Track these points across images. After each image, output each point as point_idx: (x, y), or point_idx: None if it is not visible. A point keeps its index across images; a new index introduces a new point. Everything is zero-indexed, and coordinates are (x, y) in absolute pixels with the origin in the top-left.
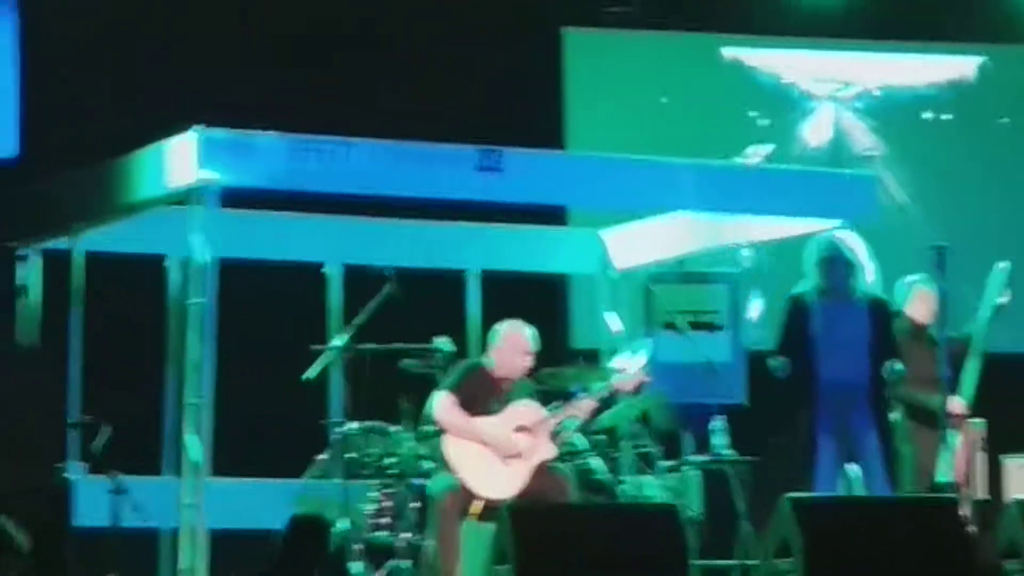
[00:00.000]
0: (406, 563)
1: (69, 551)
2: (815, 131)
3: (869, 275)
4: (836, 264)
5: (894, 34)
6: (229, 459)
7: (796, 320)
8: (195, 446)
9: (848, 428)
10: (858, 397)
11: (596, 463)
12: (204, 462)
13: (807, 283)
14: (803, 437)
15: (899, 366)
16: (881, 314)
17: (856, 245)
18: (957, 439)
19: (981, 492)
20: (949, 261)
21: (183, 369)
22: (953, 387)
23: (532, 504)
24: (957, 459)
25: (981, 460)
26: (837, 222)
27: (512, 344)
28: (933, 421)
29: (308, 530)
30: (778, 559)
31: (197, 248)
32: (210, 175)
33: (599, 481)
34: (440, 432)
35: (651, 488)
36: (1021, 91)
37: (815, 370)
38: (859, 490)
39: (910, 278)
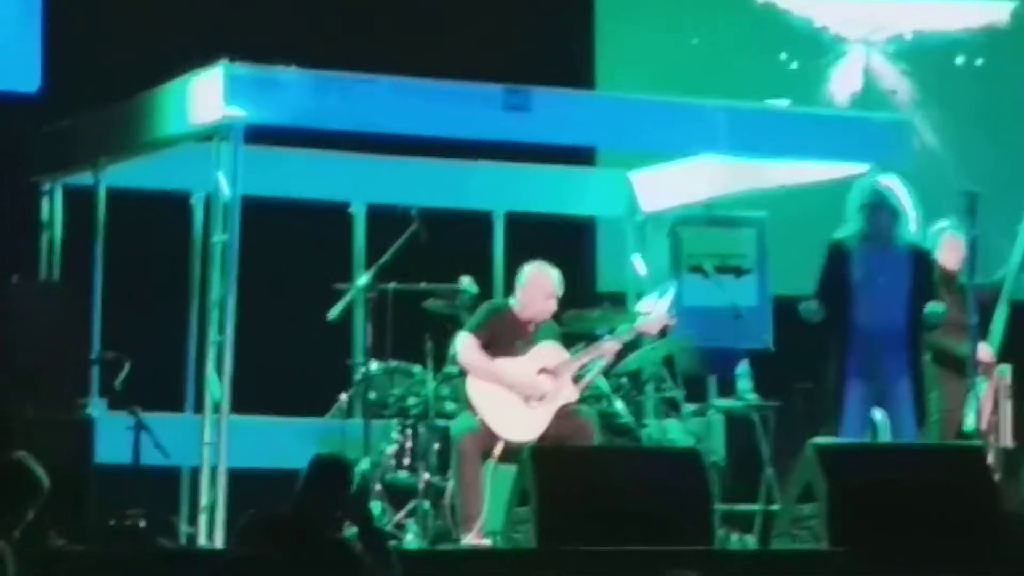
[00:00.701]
0: (427, 504)
1: (90, 487)
2: (846, 75)
3: (912, 223)
4: (881, 210)
5: None
6: (251, 397)
7: (836, 264)
8: (216, 384)
9: (880, 374)
10: (893, 343)
11: (620, 406)
12: (226, 400)
13: (849, 228)
14: (832, 382)
15: (940, 307)
16: (923, 263)
17: (901, 192)
18: (984, 386)
19: (1007, 440)
20: (980, 207)
21: (206, 307)
22: (982, 334)
23: (554, 446)
24: (984, 407)
25: (1008, 408)
26: (867, 166)
27: (537, 287)
28: (961, 368)
29: (330, 470)
30: (801, 504)
31: (222, 185)
32: (236, 111)
33: (622, 424)
34: (463, 373)
35: (675, 432)
36: None
37: (851, 315)
38: (885, 436)
39: (940, 224)
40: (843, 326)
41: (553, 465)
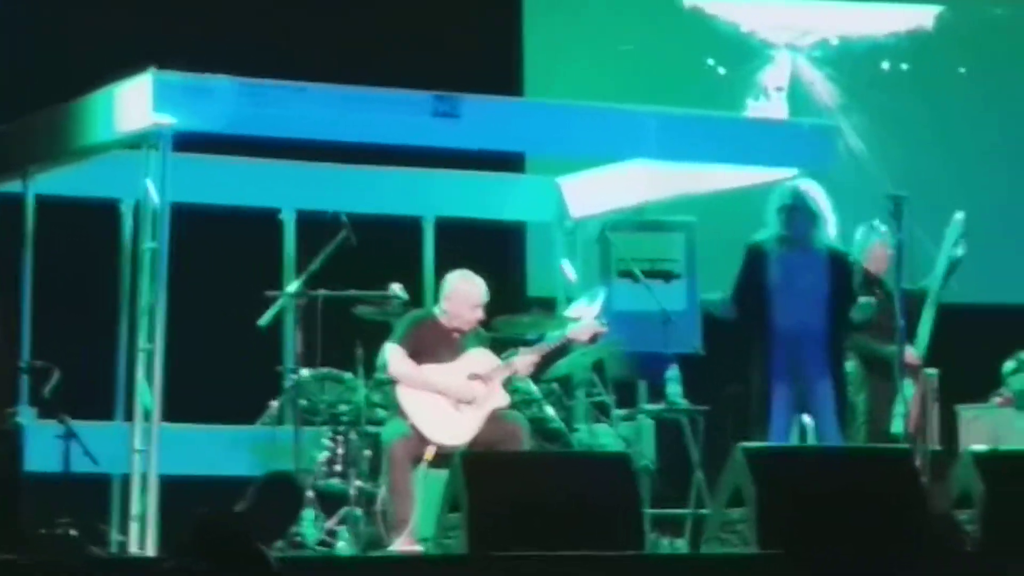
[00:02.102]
0: (358, 510)
1: (20, 496)
2: (772, 80)
3: (831, 227)
4: (798, 213)
5: None
6: (181, 405)
7: (754, 267)
8: (147, 392)
9: (802, 376)
10: (813, 345)
11: (550, 411)
12: (156, 408)
13: (768, 231)
14: (757, 385)
15: (870, 301)
16: (841, 266)
17: (819, 196)
18: (911, 389)
19: (935, 443)
20: (906, 211)
21: (136, 314)
22: (908, 337)
23: (485, 451)
24: (911, 410)
25: (935, 411)
26: (795, 171)
27: (462, 296)
28: (888, 371)
29: (281, 488)
30: (731, 508)
31: (151, 193)
32: (164, 119)
33: (553, 429)
34: (394, 380)
35: (605, 437)
36: (978, 41)
37: (770, 318)
38: (813, 439)
39: (870, 226)
40: (763, 329)
41: (484, 471)
